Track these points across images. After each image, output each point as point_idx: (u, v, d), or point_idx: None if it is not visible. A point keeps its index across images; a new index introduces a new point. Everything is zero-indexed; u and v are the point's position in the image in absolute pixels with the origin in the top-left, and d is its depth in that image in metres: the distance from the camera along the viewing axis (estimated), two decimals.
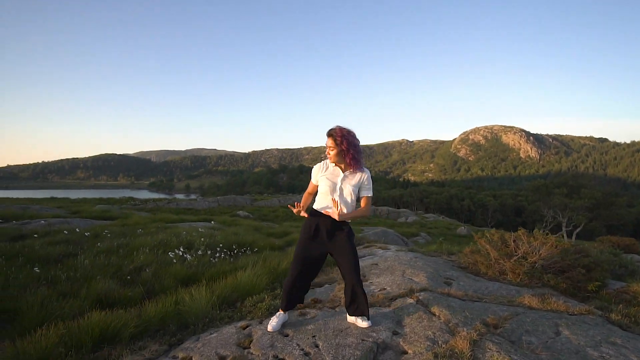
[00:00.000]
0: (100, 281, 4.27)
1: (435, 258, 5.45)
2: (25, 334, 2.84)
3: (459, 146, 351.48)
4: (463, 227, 28.31)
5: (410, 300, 3.17)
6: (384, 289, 3.70)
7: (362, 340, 2.43)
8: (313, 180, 2.82)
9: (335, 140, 2.61)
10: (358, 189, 2.72)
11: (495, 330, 2.62)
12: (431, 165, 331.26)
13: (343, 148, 2.60)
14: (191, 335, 2.96)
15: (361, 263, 5.00)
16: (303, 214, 2.75)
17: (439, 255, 5.89)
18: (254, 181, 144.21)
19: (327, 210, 2.69)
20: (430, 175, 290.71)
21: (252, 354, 2.39)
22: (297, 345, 2.44)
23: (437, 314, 2.82)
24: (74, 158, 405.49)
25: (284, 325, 2.81)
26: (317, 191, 2.83)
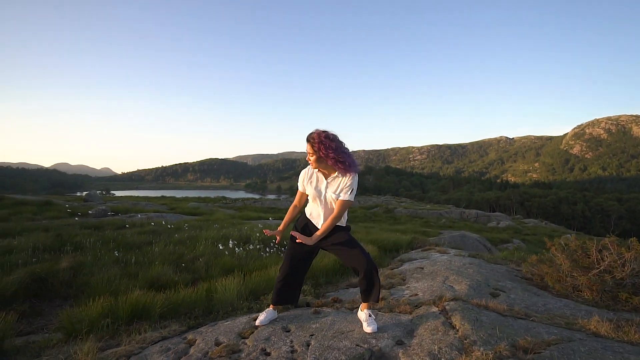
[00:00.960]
0: (158, 267, 4.75)
1: (498, 266, 4.81)
2: (87, 304, 3.31)
3: (572, 142, 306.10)
4: (569, 235, 24.53)
5: (434, 309, 2.84)
6: (416, 294, 3.38)
7: (357, 345, 2.25)
8: (300, 188, 2.69)
9: (312, 147, 2.46)
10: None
11: (525, 355, 2.18)
12: (536, 164, 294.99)
13: (321, 154, 2.44)
14: (211, 321, 3.10)
15: (406, 266, 4.67)
16: (278, 238, 2.78)
17: (506, 263, 5.19)
18: None
19: (312, 221, 2.63)
20: (534, 175, 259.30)
21: (245, 344, 2.40)
22: (291, 341, 2.37)
23: (457, 327, 2.46)
24: (185, 162, 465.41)
25: (292, 320, 2.78)
26: (305, 202, 2.73)
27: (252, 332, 2.59)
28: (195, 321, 3.10)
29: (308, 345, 2.29)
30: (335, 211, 2.49)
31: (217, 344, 2.44)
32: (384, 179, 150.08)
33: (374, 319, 2.55)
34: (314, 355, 2.15)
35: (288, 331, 2.57)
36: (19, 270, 4.67)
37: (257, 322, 2.73)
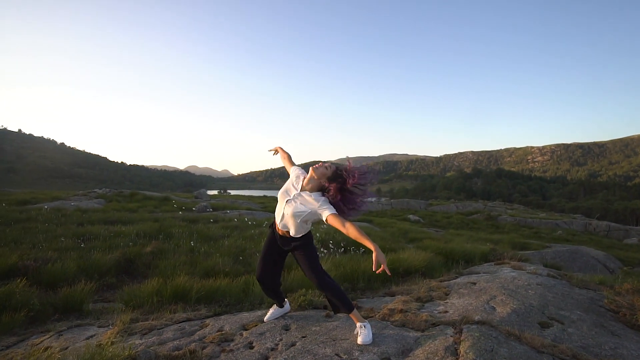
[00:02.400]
0: (217, 258, 5.26)
1: (582, 291, 4.00)
2: (147, 282, 3.90)
3: None
4: None
5: (449, 330, 2.54)
6: (446, 311, 3.06)
7: (336, 354, 2.17)
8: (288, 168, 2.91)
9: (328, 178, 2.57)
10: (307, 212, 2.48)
11: None
12: None
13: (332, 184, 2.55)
14: (236, 311, 3.33)
15: (460, 280, 4.22)
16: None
17: (599, 289, 4.28)
18: (444, 186, 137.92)
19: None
20: None
21: (241, 335, 2.55)
22: (280, 339, 2.42)
23: (460, 355, 2.17)
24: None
25: (299, 320, 2.85)
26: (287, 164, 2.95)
27: (255, 326, 2.71)
28: (223, 309, 3.38)
29: (292, 346, 2.31)
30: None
31: (219, 331, 2.63)
32: (494, 182, 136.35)
33: (368, 332, 2.41)
34: (285, 356, 2.15)
35: (287, 329, 2.62)
36: (117, 251, 5.71)
37: (265, 318, 2.86)
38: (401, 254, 5.29)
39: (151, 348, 2.36)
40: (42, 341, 2.73)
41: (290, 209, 2.50)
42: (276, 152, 3.17)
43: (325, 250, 6.13)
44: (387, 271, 2.20)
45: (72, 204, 13.15)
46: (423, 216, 24.54)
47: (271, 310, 2.92)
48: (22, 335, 2.97)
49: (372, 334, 2.43)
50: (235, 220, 9.98)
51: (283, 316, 2.93)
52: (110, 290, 4.64)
